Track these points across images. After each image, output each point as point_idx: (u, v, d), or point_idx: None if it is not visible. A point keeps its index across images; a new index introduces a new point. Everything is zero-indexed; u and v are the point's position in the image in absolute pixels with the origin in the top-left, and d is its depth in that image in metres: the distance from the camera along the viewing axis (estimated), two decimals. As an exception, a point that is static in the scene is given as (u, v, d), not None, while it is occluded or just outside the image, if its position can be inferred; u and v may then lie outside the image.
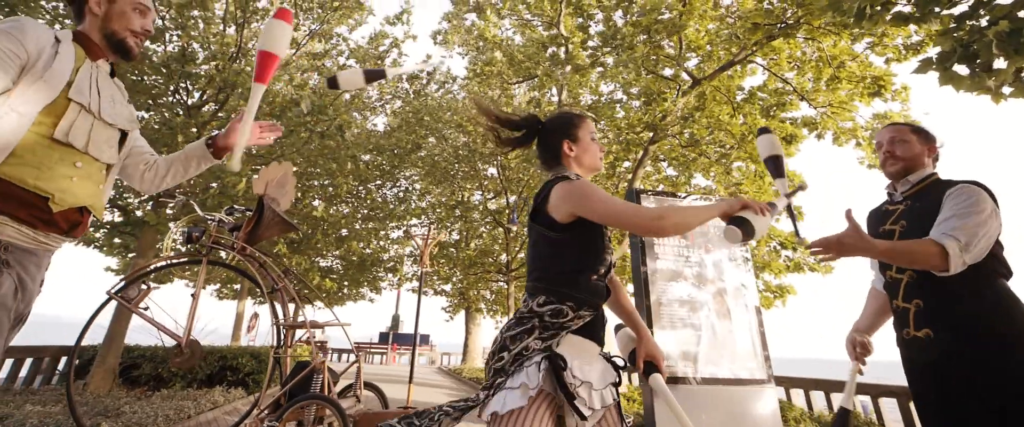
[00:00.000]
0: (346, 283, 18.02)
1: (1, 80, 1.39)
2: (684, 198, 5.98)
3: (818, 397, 6.89)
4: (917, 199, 2.05)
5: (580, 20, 7.88)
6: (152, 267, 4.88)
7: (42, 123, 1.47)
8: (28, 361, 6.95)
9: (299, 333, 5.09)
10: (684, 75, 8.63)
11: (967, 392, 1.74)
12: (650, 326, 5.35)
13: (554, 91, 10.32)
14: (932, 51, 3.42)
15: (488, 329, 24.58)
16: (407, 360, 30.35)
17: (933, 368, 1.88)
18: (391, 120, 13.55)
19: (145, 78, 7.55)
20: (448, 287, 22.20)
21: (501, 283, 18.70)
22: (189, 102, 7.61)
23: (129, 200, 8.36)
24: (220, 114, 8.00)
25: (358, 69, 2.30)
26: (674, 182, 10.00)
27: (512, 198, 16.12)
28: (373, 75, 2.19)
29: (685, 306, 5.67)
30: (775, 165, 2.07)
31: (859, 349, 2.28)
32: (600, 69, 10.15)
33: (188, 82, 7.17)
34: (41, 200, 1.45)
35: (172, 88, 7.86)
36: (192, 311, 4.98)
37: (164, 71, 6.67)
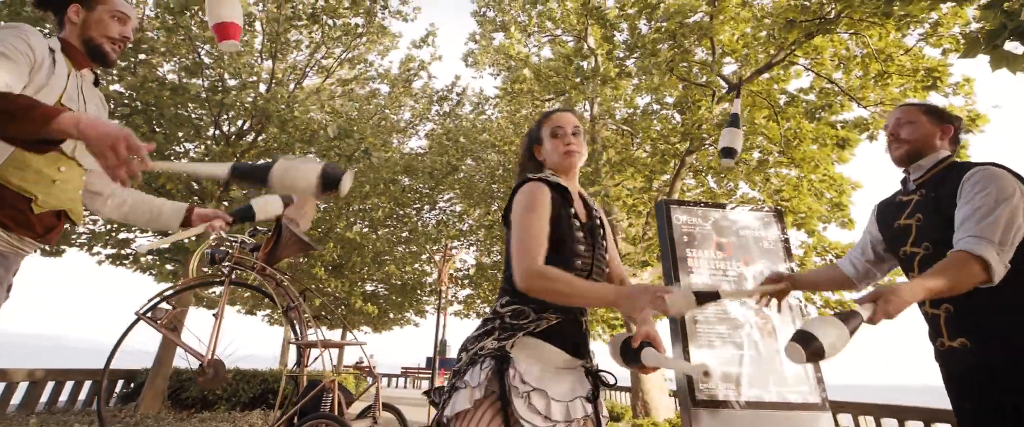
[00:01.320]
0: (389, 307, 18.29)
1: (18, 78, 1.41)
2: (714, 208, 5.66)
3: (868, 423, 6.26)
4: (933, 187, 1.79)
5: (604, 31, 7.79)
6: (177, 288, 5.08)
7: None
8: (69, 384, 7.37)
9: (348, 359, 5.09)
10: (720, 81, 8.32)
11: (1011, 411, 1.47)
12: (686, 345, 5.04)
13: (586, 106, 10.21)
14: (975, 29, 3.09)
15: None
16: (454, 386, 30.22)
17: (970, 382, 1.62)
18: (427, 143, 13.88)
19: (189, 111, 8.09)
20: (487, 308, 22.04)
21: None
22: (229, 132, 8.07)
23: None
24: (259, 141, 8.44)
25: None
26: (714, 193, 9.57)
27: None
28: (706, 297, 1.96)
29: (725, 323, 5.32)
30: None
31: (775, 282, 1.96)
32: (635, 82, 9.97)
33: (229, 113, 7.62)
34: (24, 201, 1.49)
35: (214, 120, 8.38)
36: (215, 331, 5.12)
37: (206, 103, 7.12)
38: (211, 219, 2.04)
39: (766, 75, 8.16)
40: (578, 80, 8.53)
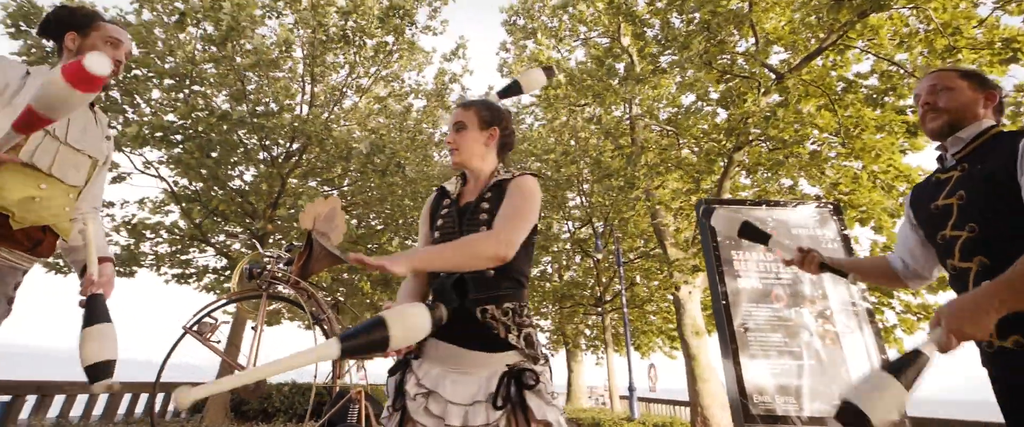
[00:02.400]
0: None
1: None
2: (762, 205, 5.32)
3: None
4: (976, 159, 1.56)
5: (634, 28, 7.58)
6: (218, 303, 5.34)
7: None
8: (126, 396, 7.89)
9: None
10: (766, 71, 7.87)
11: None
12: (736, 356, 4.74)
13: (625, 107, 9.97)
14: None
15: (590, 366, 23.68)
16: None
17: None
18: None
19: (239, 137, 8.60)
20: (544, 322, 21.87)
21: (598, 316, 18.06)
22: (277, 155, 8.52)
23: (231, 245, 9.47)
24: (303, 160, 8.86)
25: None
26: (768, 191, 9.03)
27: (599, 225, 15.67)
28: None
29: (779, 330, 4.98)
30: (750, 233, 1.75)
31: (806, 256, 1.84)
32: (678, 79, 9.64)
33: (276, 135, 8.05)
34: (1, 217, 1.58)
35: (261, 143, 8.86)
36: (255, 343, 5.35)
37: (251, 128, 7.56)
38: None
39: (818, 62, 7.64)
40: (614, 81, 8.34)
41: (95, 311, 1.61)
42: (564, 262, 19.96)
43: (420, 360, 1.43)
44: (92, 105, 1.93)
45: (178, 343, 5.21)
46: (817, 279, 5.06)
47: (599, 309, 16.66)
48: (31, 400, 6.80)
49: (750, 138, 7.65)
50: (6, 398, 6.74)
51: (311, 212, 5.54)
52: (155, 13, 7.86)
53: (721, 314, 4.93)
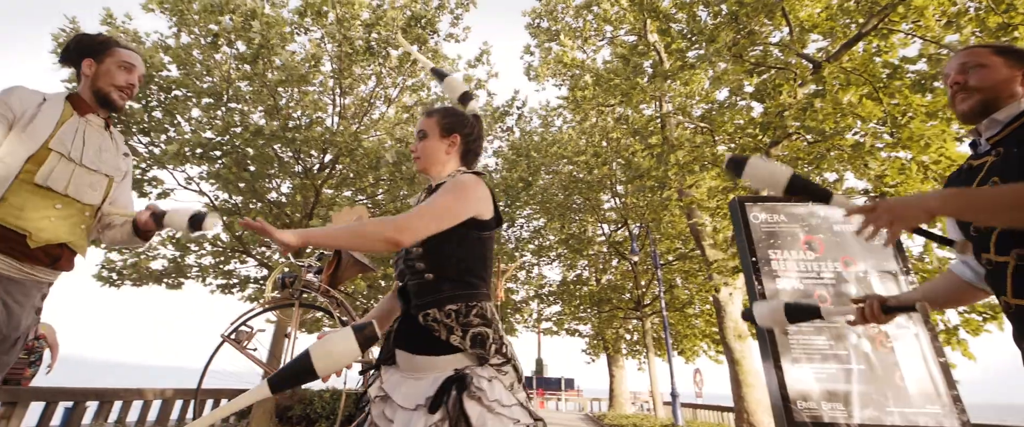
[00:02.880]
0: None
1: None
2: (800, 201, 5.12)
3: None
4: (1012, 143, 1.43)
5: (660, 24, 7.41)
6: (253, 312, 5.53)
7: (28, 171, 1.73)
8: (178, 402, 8.26)
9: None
10: (803, 61, 7.55)
11: None
12: (776, 359, 4.56)
13: (653, 105, 9.78)
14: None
15: (632, 371, 23.24)
16: (554, 406, 29.95)
17: None
18: (495, 161, 14.09)
19: (274, 151, 8.92)
20: (584, 327, 21.63)
21: (638, 320, 17.71)
22: (310, 166, 8.81)
23: (271, 256, 9.81)
24: (335, 171, 9.10)
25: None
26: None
27: (636, 228, 15.39)
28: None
29: (824, 333, 4.77)
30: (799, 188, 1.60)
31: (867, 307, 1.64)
32: (710, 74, 9.39)
33: (308, 148, 8.33)
34: (19, 237, 1.69)
35: (298, 156, 9.17)
36: (289, 349, 5.52)
37: (283, 141, 7.84)
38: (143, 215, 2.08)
39: (860, 48, 7.26)
40: (642, 79, 8.19)
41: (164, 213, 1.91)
42: (601, 265, 19.70)
43: (388, 366, 1.46)
44: (108, 125, 2.03)
45: (217, 351, 5.43)
46: (862, 275, 4.80)
47: (638, 313, 16.36)
48: (92, 406, 7.24)
49: (788, 132, 7.34)
50: (69, 404, 7.19)
51: (337, 221, 5.67)
52: (193, 36, 8.27)
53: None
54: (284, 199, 9.63)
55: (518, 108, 11.34)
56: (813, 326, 4.70)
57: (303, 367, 1.13)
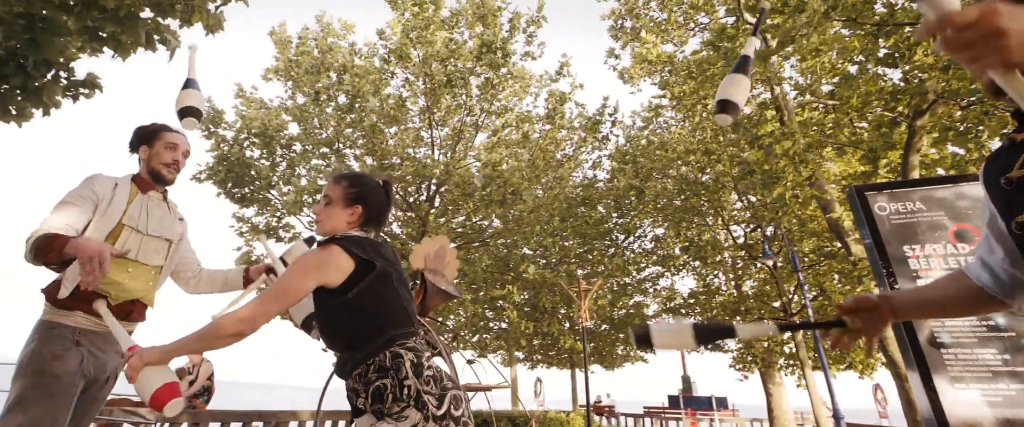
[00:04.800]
0: (602, 344, 18.15)
1: (83, 215, 2.12)
2: (938, 184, 4.29)
3: None
4: None
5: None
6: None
7: (108, 244, 2.17)
8: (327, 422, 9.19)
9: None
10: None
11: None
12: (929, 380, 3.88)
13: (762, 90, 8.85)
14: None
15: (791, 389, 20.82)
16: (707, 427, 27.90)
17: None
18: (593, 172, 13.87)
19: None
20: (729, 342, 19.96)
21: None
22: (410, 200, 9.50)
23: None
24: (435, 206, 9.70)
25: None
26: (963, 162, 7.10)
27: (770, 229, 13.93)
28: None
29: (992, 344, 3.95)
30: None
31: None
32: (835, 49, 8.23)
33: (404, 183, 9.03)
34: (101, 297, 2.12)
35: (406, 190, 9.96)
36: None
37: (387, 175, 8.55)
38: (263, 271, 2.51)
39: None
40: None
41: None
42: (738, 272, 18.13)
43: None
44: (165, 197, 2.44)
45: (331, 377, 6.05)
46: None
47: (785, 322, 14.55)
48: (257, 426, 8.48)
49: (931, 98, 6.10)
50: (238, 424, 8.51)
51: (420, 252, 5.97)
52: (306, 96, 9.48)
53: (899, 327, 4.02)
54: (398, 230, 10.47)
55: (610, 115, 11.06)
56: (977, 336, 3.88)
57: None
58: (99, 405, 2.18)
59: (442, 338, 5.80)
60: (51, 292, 2.02)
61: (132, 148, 2.43)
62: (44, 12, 3.06)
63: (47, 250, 1.86)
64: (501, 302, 11.33)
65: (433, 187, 9.54)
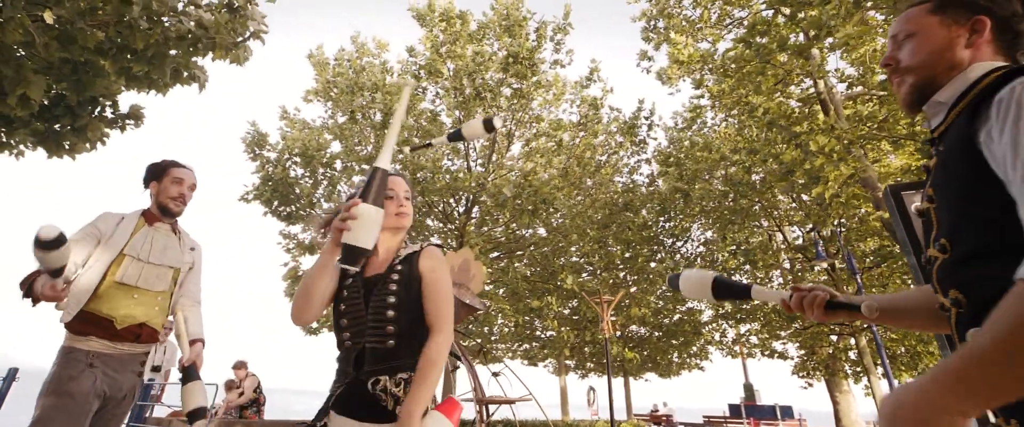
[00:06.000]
0: (655, 352, 17.71)
1: (85, 250, 2.35)
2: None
3: None
4: (954, 137, 1.04)
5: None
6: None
7: (111, 273, 2.38)
8: None
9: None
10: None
11: None
12: None
13: (802, 84, 8.45)
14: None
15: (859, 396, 19.57)
16: (773, 438, 26.59)
17: None
18: (656, 173, 13.61)
19: (432, 202, 10.08)
20: (787, 346, 19.04)
21: (850, 336, 14.93)
22: (446, 212, 9.71)
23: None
24: (473, 218, 9.86)
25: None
26: None
27: (827, 230, 13.18)
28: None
29: None
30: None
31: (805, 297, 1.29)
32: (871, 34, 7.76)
33: (434, 196, 9.25)
34: (108, 322, 2.32)
35: (442, 204, 10.19)
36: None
37: (420, 190, 8.86)
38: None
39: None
40: (782, 57, 7.15)
41: (189, 374, 2.36)
42: (796, 274, 17.27)
43: None
44: (174, 228, 2.63)
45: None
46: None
47: (848, 328, 13.79)
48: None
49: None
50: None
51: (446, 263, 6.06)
52: (344, 115, 9.89)
53: (942, 337, 3.75)
54: (437, 242, 10.68)
55: (646, 118, 10.87)
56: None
57: None
58: (119, 421, 2.37)
59: (469, 344, 5.88)
60: (70, 323, 2.23)
61: (145, 184, 2.64)
62: (83, 57, 3.37)
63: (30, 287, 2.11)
64: (543, 311, 11.33)
65: (469, 199, 9.71)
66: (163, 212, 2.49)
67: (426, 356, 1.41)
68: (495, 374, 4.97)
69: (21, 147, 4.33)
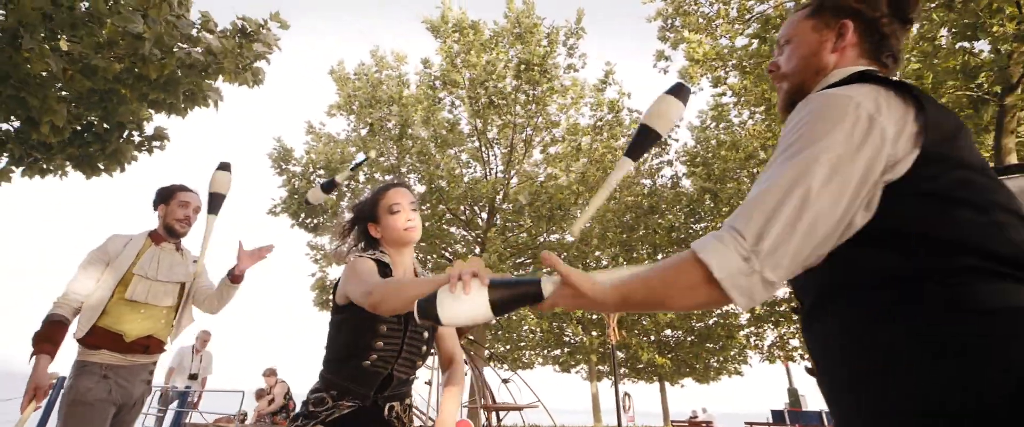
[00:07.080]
0: (688, 358, 17.37)
1: (95, 274, 2.58)
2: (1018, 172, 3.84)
3: None
4: None
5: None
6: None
7: (119, 291, 2.60)
8: None
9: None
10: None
11: None
12: None
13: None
14: None
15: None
16: (821, 447, 25.57)
17: None
18: (684, 173, 13.47)
19: (452, 212, 10.30)
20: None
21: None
22: (463, 219, 9.90)
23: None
24: (494, 224, 9.99)
25: (316, 187, 3.00)
26: None
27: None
28: (329, 186, 3.00)
29: None
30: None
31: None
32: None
33: (452, 204, 9.42)
34: (117, 336, 2.55)
35: (463, 212, 10.38)
36: (430, 393, 6.23)
37: (438, 198, 9.05)
38: (254, 257, 2.84)
39: None
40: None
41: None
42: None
43: None
44: (178, 247, 2.84)
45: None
46: None
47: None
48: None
49: (1021, 72, 5.34)
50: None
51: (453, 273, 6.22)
52: (367, 127, 10.22)
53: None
54: (462, 250, 10.88)
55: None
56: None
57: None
58: (129, 426, 2.60)
59: (497, 349, 5.98)
60: (82, 338, 2.46)
61: (154, 206, 2.87)
62: (105, 87, 3.67)
63: (38, 338, 2.41)
64: (568, 316, 11.34)
65: (489, 206, 9.85)
66: (169, 233, 2.70)
67: (460, 377, 1.51)
68: (505, 381, 5.05)
69: (61, 171, 4.73)
